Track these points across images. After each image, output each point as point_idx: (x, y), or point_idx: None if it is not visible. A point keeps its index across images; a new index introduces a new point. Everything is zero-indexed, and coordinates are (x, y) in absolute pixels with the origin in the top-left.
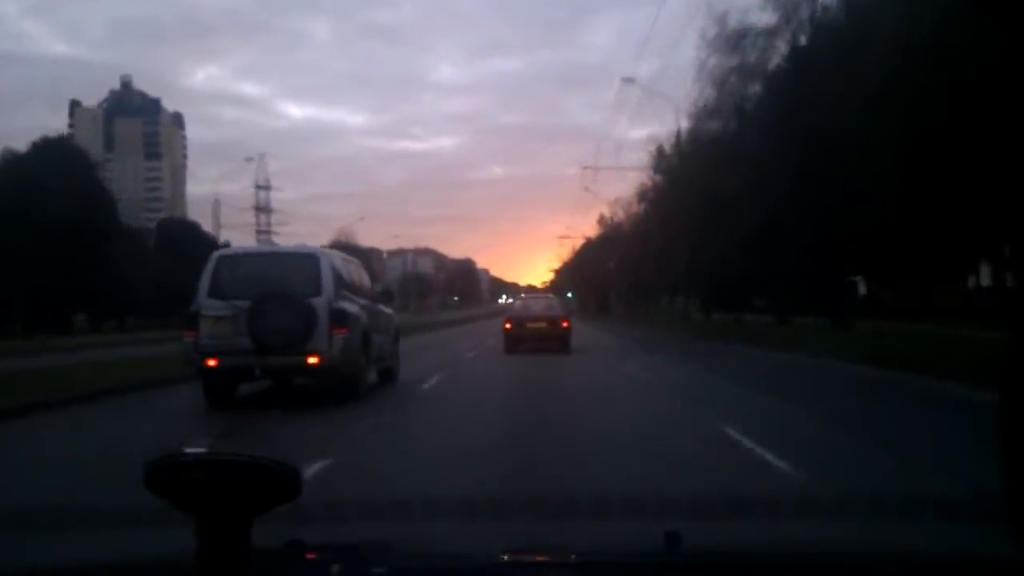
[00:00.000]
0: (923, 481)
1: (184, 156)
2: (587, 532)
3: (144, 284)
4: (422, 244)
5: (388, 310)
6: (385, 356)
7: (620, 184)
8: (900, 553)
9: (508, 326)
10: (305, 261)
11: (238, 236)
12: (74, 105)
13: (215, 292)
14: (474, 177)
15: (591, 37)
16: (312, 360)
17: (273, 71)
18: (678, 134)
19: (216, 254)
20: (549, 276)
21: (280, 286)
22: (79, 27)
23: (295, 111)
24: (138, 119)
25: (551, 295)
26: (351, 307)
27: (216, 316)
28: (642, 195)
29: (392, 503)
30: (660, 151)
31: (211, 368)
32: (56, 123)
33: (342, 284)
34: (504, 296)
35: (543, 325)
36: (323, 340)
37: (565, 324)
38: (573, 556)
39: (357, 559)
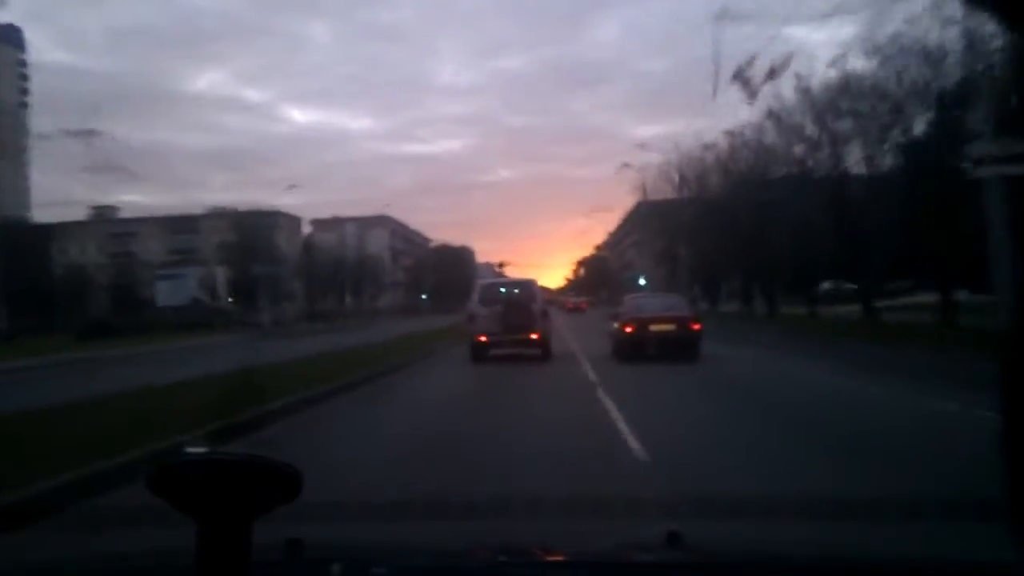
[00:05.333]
0: None
1: (24, 92)
2: None
3: None
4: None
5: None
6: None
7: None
8: (900, 555)
9: (629, 329)
10: (526, 284)
11: None
12: None
13: (481, 302)
14: (482, 180)
15: (597, 33)
16: (533, 336)
17: (275, 76)
18: None
19: (479, 283)
20: (566, 274)
21: (516, 297)
22: (78, 35)
23: (299, 116)
24: None
25: (671, 294)
26: (547, 308)
27: (483, 314)
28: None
29: None
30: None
31: (482, 341)
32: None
33: (540, 296)
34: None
35: (671, 327)
36: (538, 326)
37: (696, 327)
38: (572, 555)
39: (357, 559)
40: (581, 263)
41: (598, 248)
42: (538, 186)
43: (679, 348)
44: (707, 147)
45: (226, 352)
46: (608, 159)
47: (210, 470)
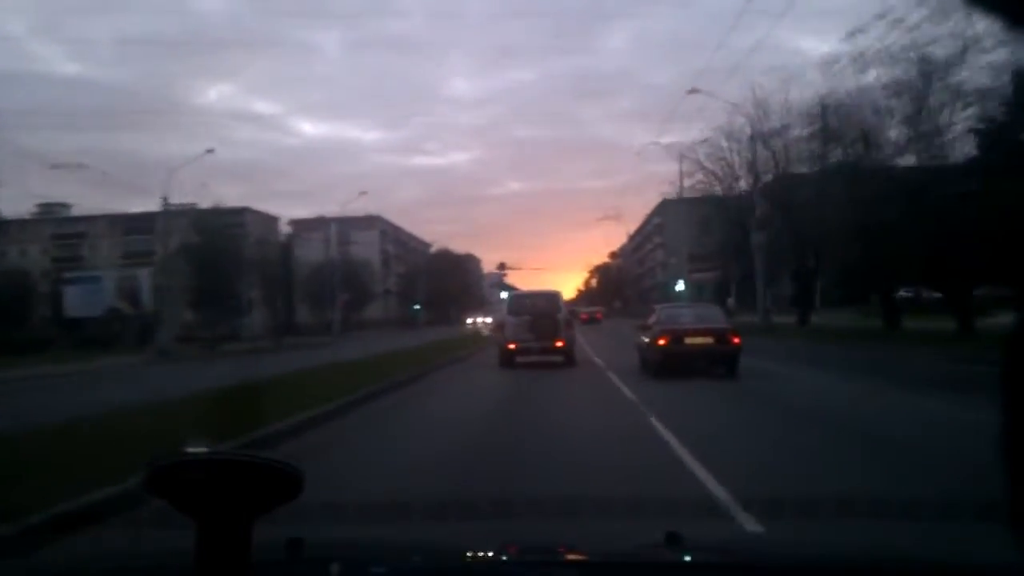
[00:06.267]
0: None
1: None
2: None
3: None
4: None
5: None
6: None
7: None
8: (899, 556)
9: (663, 342)
10: (551, 295)
11: None
12: None
13: (511, 312)
14: (491, 192)
15: (606, 45)
16: (558, 344)
17: (285, 87)
18: None
19: (510, 295)
20: (577, 284)
21: (543, 308)
22: (87, 46)
23: (309, 128)
24: None
25: (707, 304)
26: (570, 318)
27: (513, 323)
28: None
29: None
30: None
31: (511, 348)
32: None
33: (565, 307)
34: (473, 318)
35: (709, 341)
36: (563, 334)
37: (736, 340)
38: (572, 555)
39: (357, 559)
40: (594, 272)
41: (613, 256)
42: (548, 198)
43: (717, 364)
44: (826, 63)
45: (42, 391)
46: (618, 171)
47: (210, 470)
